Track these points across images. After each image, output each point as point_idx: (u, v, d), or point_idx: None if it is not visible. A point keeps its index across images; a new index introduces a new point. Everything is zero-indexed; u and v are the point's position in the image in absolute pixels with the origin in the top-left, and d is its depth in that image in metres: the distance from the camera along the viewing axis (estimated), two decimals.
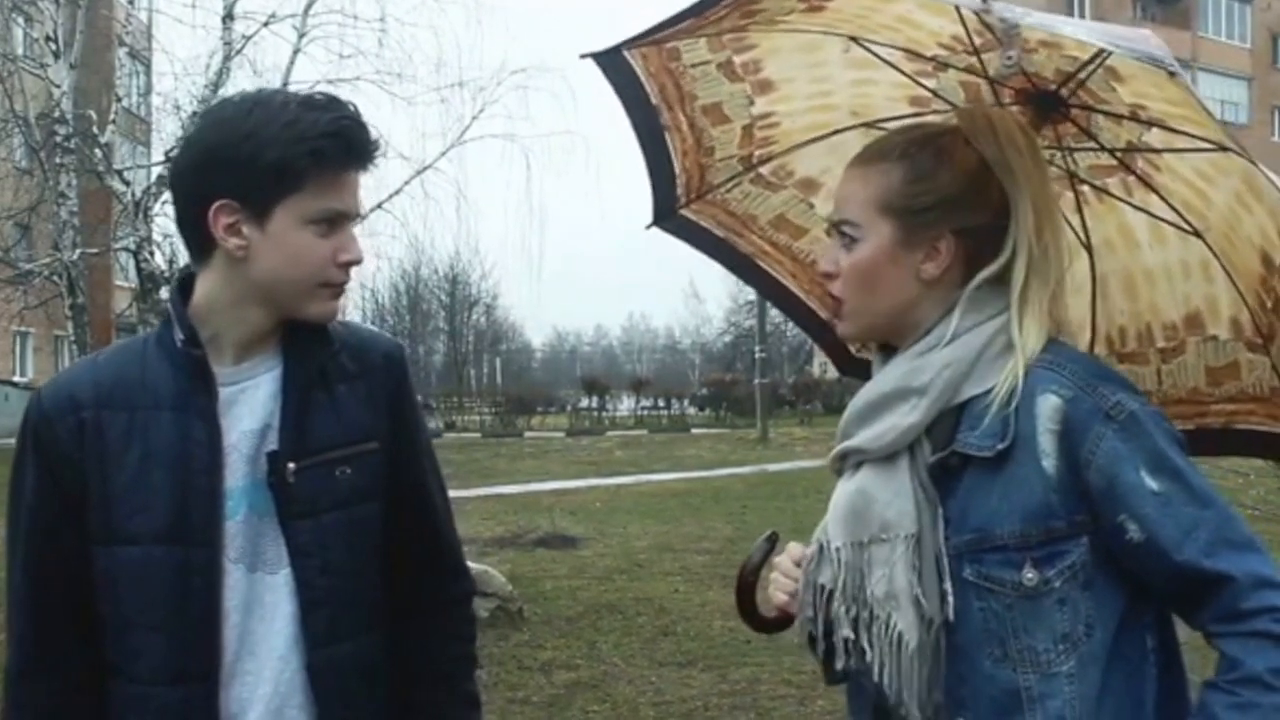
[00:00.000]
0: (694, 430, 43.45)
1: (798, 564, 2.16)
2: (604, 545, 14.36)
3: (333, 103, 2.20)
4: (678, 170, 2.76)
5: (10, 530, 2.20)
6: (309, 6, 14.44)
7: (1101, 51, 2.17)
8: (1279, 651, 1.80)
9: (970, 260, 2.05)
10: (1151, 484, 1.87)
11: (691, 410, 53.37)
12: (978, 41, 2.37)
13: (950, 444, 1.98)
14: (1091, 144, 2.47)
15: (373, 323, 72.10)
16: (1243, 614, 1.83)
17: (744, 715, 7.40)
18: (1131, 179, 2.48)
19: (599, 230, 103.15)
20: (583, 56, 2.66)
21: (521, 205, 31.13)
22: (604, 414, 50.61)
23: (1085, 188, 2.55)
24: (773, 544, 2.34)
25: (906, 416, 2.00)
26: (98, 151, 13.39)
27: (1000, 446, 1.93)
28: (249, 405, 2.21)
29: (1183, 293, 2.52)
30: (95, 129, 13.44)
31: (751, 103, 2.66)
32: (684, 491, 21.35)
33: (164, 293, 13.56)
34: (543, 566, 12.83)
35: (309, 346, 2.25)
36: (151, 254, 13.17)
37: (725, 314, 77.80)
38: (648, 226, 2.89)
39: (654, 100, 2.68)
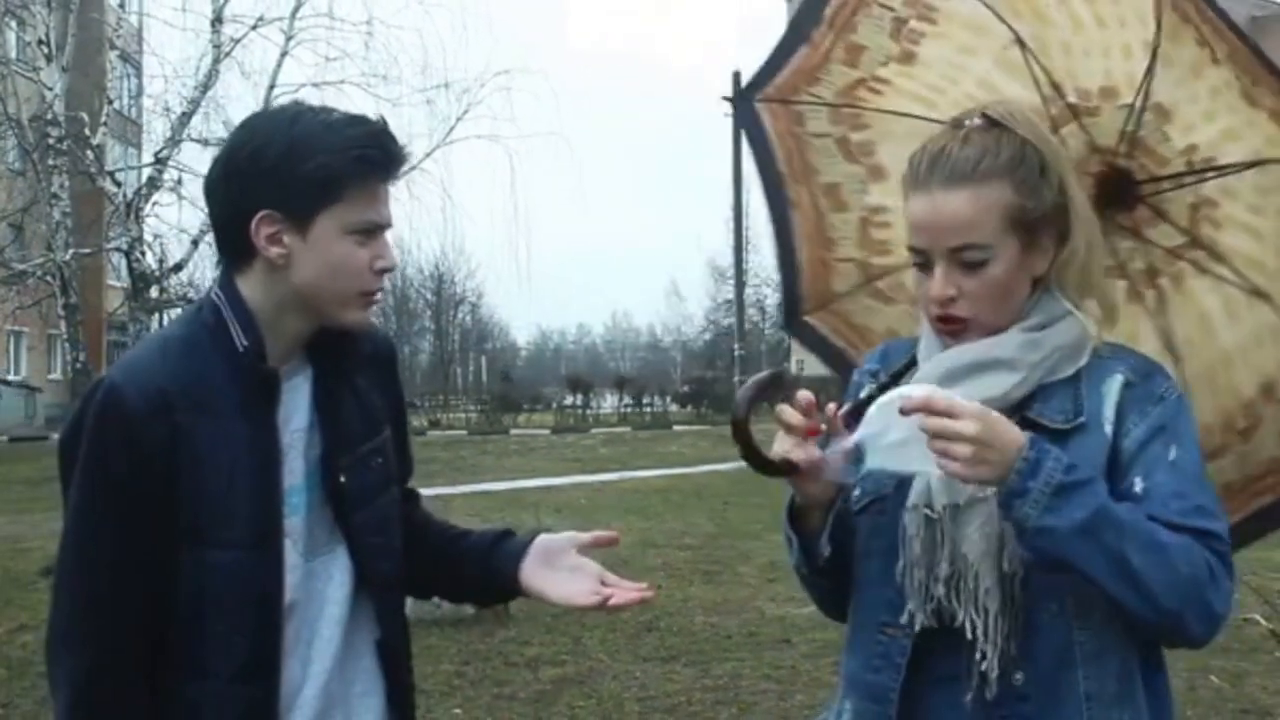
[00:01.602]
0: (676, 427, 43.35)
1: (807, 413, 2.10)
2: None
3: (366, 118, 2.26)
4: (802, 263, 2.85)
5: (88, 528, 2.17)
6: (296, 10, 14.59)
7: (1149, 71, 2.31)
8: (1198, 551, 1.96)
9: (1057, 246, 2.14)
10: (1170, 455, 2.04)
11: (674, 407, 53.36)
12: (1054, 111, 2.49)
13: (1017, 413, 2.06)
14: (1164, 224, 2.52)
15: None
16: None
17: (726, 709, 7.45)
18: (1201, 254, 2.51)
19: (581, 229, 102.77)
20: (725, 99, 2.82)
21: (506, 205, 31.28)
22: (588, 411, 50.58)
23: (1164, 281, 2.57)
24: (769, 382, 2.30)
25: (1017, 388, 2.08)
26: (89, 153, 13.52)
27: (1078, 421, 2.06)
28: (296, 405, 2.27)
29: (1257, 364, 2.53)
30: (87, 131, 13.55)
31: (866, 190, 2.75)
32: (666, 488, 21.37)
33: (155, 291, 13.74)
34: None
35: (334, 345, 2.31)
36: (143, 254, 13.29)
37: (705, 312, 77.66)
38: (780, 329, 2.99)
39: (781, 167, 2.79)
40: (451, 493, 19.90)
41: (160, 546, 2.15)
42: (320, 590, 2.29)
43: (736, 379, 40.01)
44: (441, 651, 8.60)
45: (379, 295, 2.31)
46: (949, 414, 1.92)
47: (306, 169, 2.12)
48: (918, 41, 2.63)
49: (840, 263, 2.84)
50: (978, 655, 2.05)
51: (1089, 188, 2.46)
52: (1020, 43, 2.53)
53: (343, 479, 2.29)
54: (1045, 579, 2.00)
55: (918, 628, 2.11)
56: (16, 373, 45.23)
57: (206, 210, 2.36)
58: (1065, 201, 2.12)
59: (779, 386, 2.30)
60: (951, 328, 2.14)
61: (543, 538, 2.46)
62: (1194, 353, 2.58)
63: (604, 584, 2.37)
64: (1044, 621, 2.04)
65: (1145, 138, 2.44)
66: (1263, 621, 8.14)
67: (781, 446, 2.12)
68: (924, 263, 2.13)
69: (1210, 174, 2.44)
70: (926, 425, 1.92)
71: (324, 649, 2.28)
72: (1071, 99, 2.51)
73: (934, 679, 2.11)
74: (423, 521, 2.57)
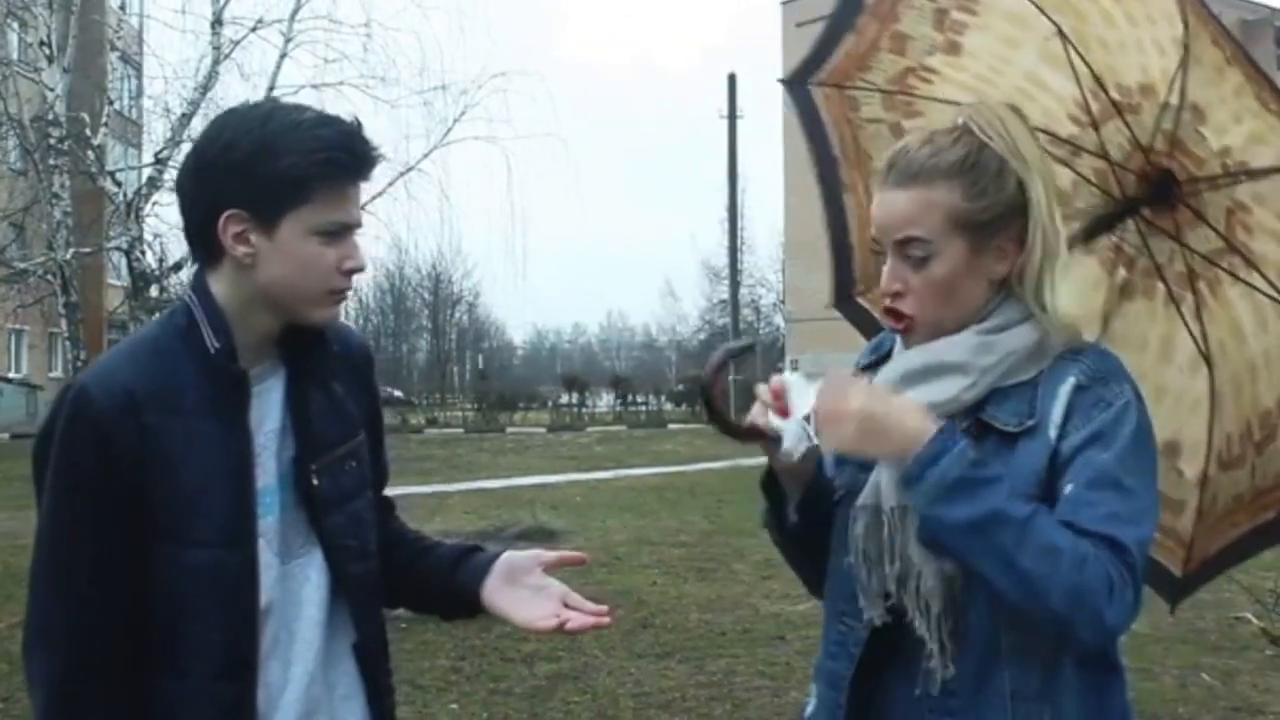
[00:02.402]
0: (671, 426, 43.46)
1: (778, 396, 2.17)
2: (584, 539, 14.26)
3: (338, 118, 2.23)
4: (854, 244, 2.90)
5: (62, 529, 2.16)
6: (295, 12, 14.58)
7: (1183, 68, 2.35)
8: (1099, 560, 1.94)
9: (1020, 250, 2.14)
10: (1098, 460, 2.01)
11: (668, 406, 53.38)
12: (1096, 107, 2.54)
13: (973, 415, 2.10)
14: (1204, 227, 2.56)
15: (358, 322, 71.84)
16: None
17: (720, 706, 7.46)
18: (1237, 259, 2.54)
19: (577, 230, 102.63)
20: (780, 81, 2.85)
21: (503, 206, 31.30)
22: (584, 410, 50.62)
23: (1203, 286, 2.60)
24: (739, 351, 2.42)
25: (967, 391, 2.11)
26: (90, 153, 13.53)
27: (1028, 424, 2.06)
28: (268, 406, 2.25)
29: (1279, 376, 2.56)
30: (88, 131, 13.55)
31: None
32: (661, 486, 21.40)
33: (154, 290, 13.80)
34: None
35: (307, 347, 2.29)
36: (143, 253, 13.32)
37: (700, 312, 77.65)
38: (827, 306, 3.03)
39: (835, 151, 2.84)
40: (448, 490, 19.99)
41: (134, 545, 2.13)
42: (298, 592, 2.27)
43: (731, 378, 40.06)
44: (438, 647, 8.64)
45: (348, 294, 2.30)
46: (837, 393, 2.04)
47: (275, 169, 2.11)
48: (961, 32, 2.68)
49: None
50: (926, 652, 2.11)
51: (1133, 186, 2.53)
52: (1062, 35, 2.57)
53: (316, 481, 2.27)
54: (976, 579, 2.02)
55: (877, 622, 2.17)
56: (18, 371, 45.23)
57: (178, 206, 2.32)
58: (1024, 203, 2.13)
59: (748, 357, 2.35)
60: (897, 323, 2.19)
61: (507, 555, 2.45)
62: (1226, 360, 2.61)
63: (566, 605, 2.36)
64: (973, 621, 2.08)
65: (1183, 138, 2.48)
66: (1253, 620, 8.22)
67: (753, 418, 2.21)
68: (880, 251, 2.20)
69: (1243, 177, 2.47)
70: (815, 405, 2.06)
71: (304, 651, 2.27)
72: (1114, 95, 2.55)
73: (895, 672, 2.17)
74: (395, 532, 2.56)
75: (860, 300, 2.99)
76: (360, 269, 2.24)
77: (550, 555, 2.45)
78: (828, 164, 2.88)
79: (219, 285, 2.22)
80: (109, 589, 2.14)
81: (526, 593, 2.40)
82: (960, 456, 1.97)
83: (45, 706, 2.18)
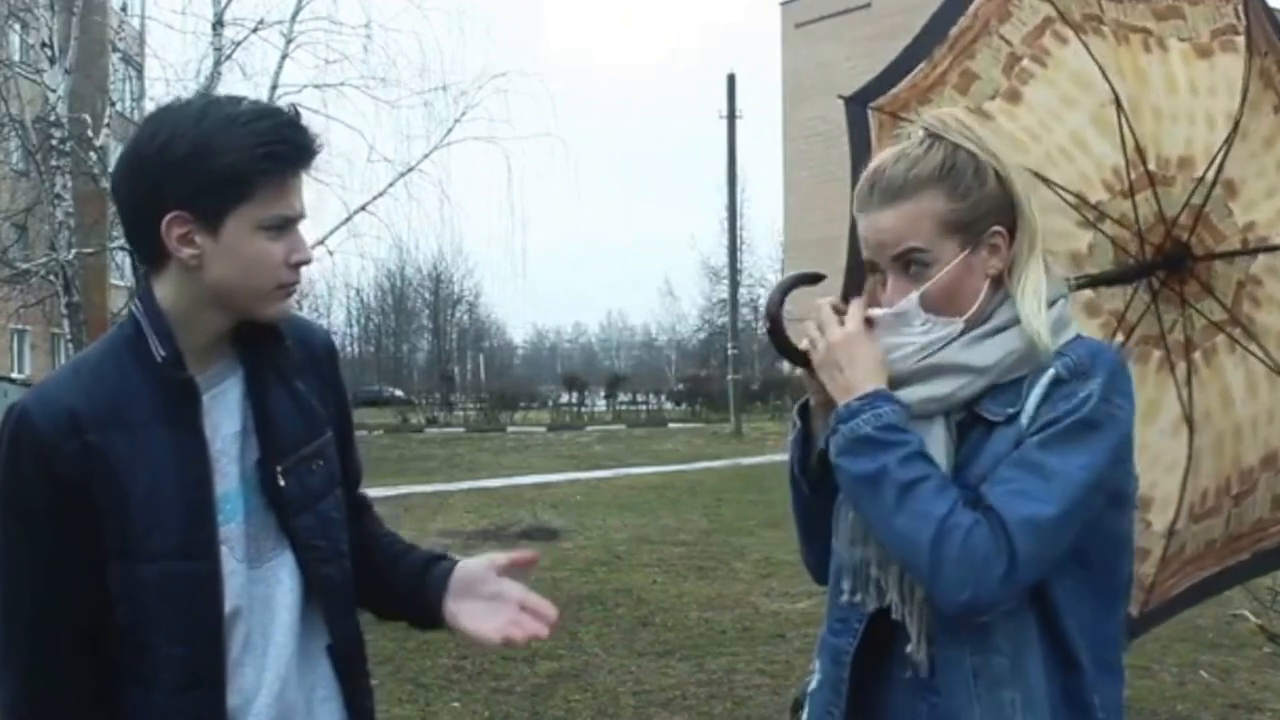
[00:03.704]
0: (670, 425, 43.49)
1: (820, 327, 2.23)
2: (584, 538, 14.35)
3: (275, 109, 2.20)
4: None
5: (9, 554, 2.14)
6: (296, 13, 14.60)
7: (1228, 143, 2.39)
8: (984, 533, 2.00)
9: (1010, 242, 2.20)
10: (1034, 443, 2.06)
11: (668, 405, 53.39)
12: (1133, 176, 2.60)
13: (968, 408, 2.16)
14: (1210, 299, 2.62)
15: (358, 322, 72.01)
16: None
17: (720, 704, 7.49)
18: (1238, 330, 2.61)
19: (577, 230, 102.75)
20: (841, 98, 2.90)
21: (503, 206, 31.34)
22: (584, 409, 50.64)
23: (1198, 355, 2.66)
24: (798, 281, 2.47)
25: (963, 389, 2.15)
26: (92, 154, 13.55)
27: (1009, 412, 2.12)
28: (225, 409, 2.21)
29: (1264, 437, 2.62)
30: (90, 132, 13.56)
31: None
32: (661, 485, 21.36)
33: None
34: None
35: (263, 346, 2.25)
36: None
37: (699, 312, 77.61)
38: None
39: None
40: (449, 489, 20.02)
41: (89, 564, 2.10)
42: (270, 596, 2.23)
43: (730, 377, 40.06)
44: (440, 645, 8.62)
45: (297, 287, 2.25)
46: (845, 318, 2.18)
47: (215, 167, 2.06)
48: (1026, 82, 2.74)
49: None
50: (905, 634, 2.17)
51: (1150, 254, 2.56)
52: (1118, 103, 2.63)
53: (282, 483, 2.23)
54: None
55: (869, 606, 2.22)
56: (20, 371, 45.15)
57: (117, 211, 2.28)
58: (1009, 199, 2.19)
59: (809, 282, 2.44)
60: None
61: (461, 566, 2.41)
62: (1209, 425, 2.66)
63: (524, 608, 2.33)
64: None
65: (1210, 213, 2.54)
66: (1251, 617, 8.22)
67: (801, 344, 2.26)
68: (874, 270, 2.24)
69: (1262, 254, 2.54)
70: (817, 317, 2.20)
71: (278, 655, 2.23)
72: (1151, 166, 2.61)
73: (893, 651, 2.21)
74: (368, 534, 2.52)
75: None
76: (307, 261, 2.22)
77: (501, 558, 2.40)
78: None
79: (165, 289, 2.17)
80: (62, 612, 2.12)
81: (482, 604, 2.36)
82: (875, 418, 2.10)
83: None
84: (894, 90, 2.87)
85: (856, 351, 2.16)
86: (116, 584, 2.11)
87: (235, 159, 2.06)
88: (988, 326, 2.19)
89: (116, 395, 2.13)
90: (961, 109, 2.26)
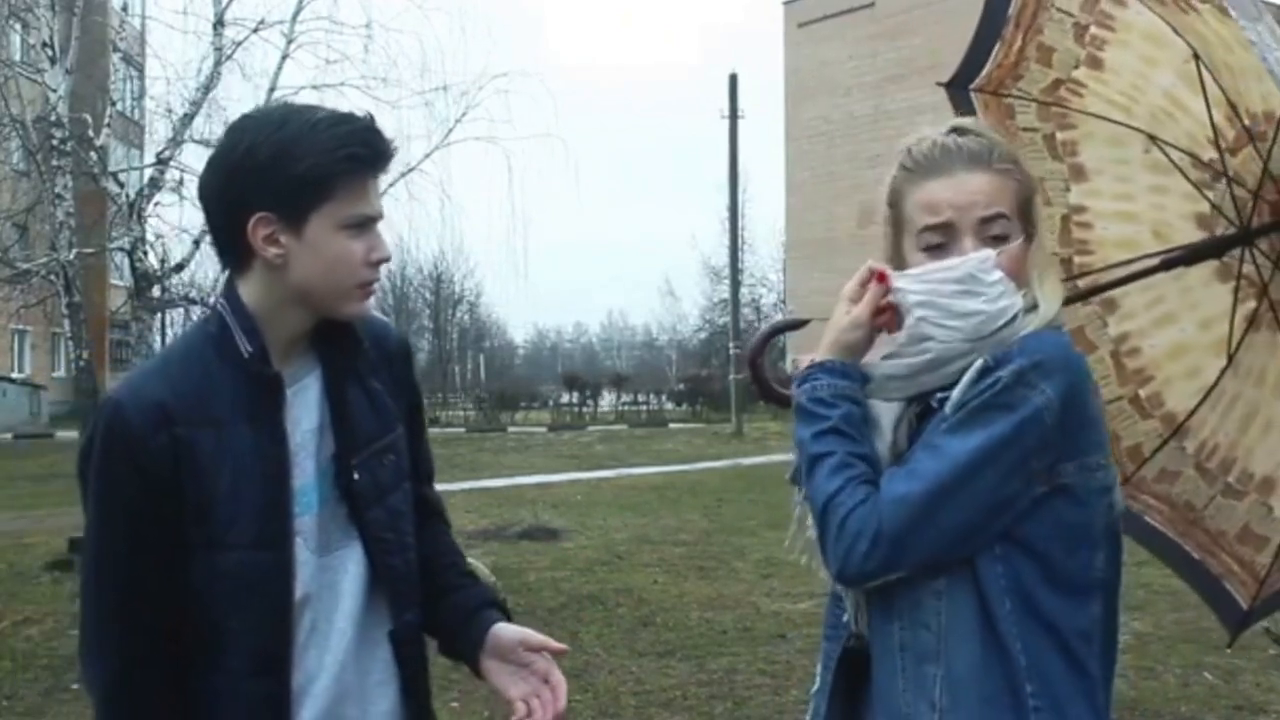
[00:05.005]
0: (671, 425, 43.47)
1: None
2: (585, 538, 14.44)
3: (352, 115, 2.32)
4: None
5: (104, 541, 2.27)
6: (297, 13, 14.55)
7: None
8: (861, 506, 2.11)
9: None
10: (942, 425, 2.13)
11: (669, 405, 53.39)
12: (1232, 134, 2.60)
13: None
14: None
15: None
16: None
17: (721, 704, 7.53)
18: None
19: (577, 229, 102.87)
20: (940, 84, 2.93)
21: (504, 206, 31.33)
22: (585, 409, 50.65)
23: (1271, 315, 2.68)
24: (781, 328, 2.66)
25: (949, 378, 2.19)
26: (93, 154, 13.52)
27: (943, 397, 2.17)
28: (304, 406, 2.33)
29: None
30: (90, 132, 13.54)
31: (1068, 189, 2.89)
32: (662, 485, 21.42)
33: (156, 290, 13.82)
34: (526, 559, 12.97)
35: (341, 344, 2.37)
36: (145, 254, 13.31)
37: (700, 311, 77.49)
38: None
39: None
40: (450, 489, 20.02)
41: (173, 554, 2.22)
42: (335, 584, 2.35)
43: (731, 377, 40.07)
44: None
45: (376, 286, 2.38)
46: (857, 295, 2.25)
47: (298, 170, 2.19)
48: (1101, 48, 2.74)
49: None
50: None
51: (1266, 215, 2.57)
52: (1197, 58, 2.62)
53: (356, 477, 2.35)
54: None
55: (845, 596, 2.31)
56: (21, 371, 45.39)
57: (204, 215, 2.41)
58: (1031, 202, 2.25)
59: (794, 328, 2.63)
60: None
61: (496, 630, 2.48)
62: (1244, 381, 2.69)
63: (546, 681, 2.42)
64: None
65: None
66: None
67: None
68: (943, 243, 2.21)
69: None
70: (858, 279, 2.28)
71: (338, 641, 2.34)
72: (1246, 122, 2.61)
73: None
74: (430, 554, 2.58)
75: None
76: (387, 259, 2.33)
77: (534, 641, 2.46)
78: None
79: (250, 289, 2.30)
80: (151, 597, 2.24)
81: (511, 669, 2.45)
82: (811, 389, 2.23)
83: (102, 711, 2.30)
84: (985, 70, 2.90)
85: (840, 322, 2.24)
86: (198, 573, 2.24)
87: (317, 161, 2.19)
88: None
89: (203, 390, 2.25)
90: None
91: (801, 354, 2.35)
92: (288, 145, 2.20)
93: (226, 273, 2.39)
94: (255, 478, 2.24)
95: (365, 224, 2.28)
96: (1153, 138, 2.74)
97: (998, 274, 2.16)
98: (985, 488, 2.08)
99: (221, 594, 2.24)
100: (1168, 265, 2.69)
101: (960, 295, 2.16)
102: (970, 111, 2.92)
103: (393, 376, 2.50)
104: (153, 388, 2.26)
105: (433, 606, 2.54)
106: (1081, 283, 2.93)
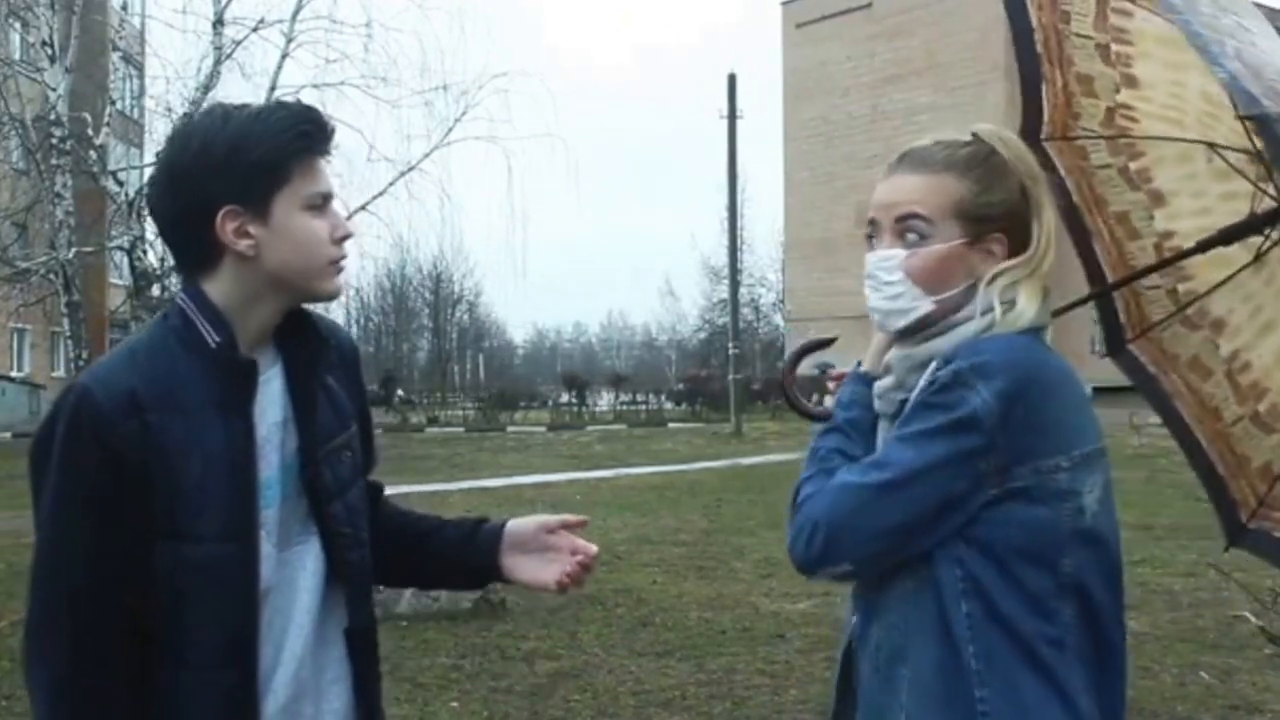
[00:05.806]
0: (671, 425, 43.42)
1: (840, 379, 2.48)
2: (584, 537, 14.22)
3: (286, 102, 2.39)
4: (1114, 295, 3.03)
5: (63, 528, 2.20)
6: (297, 12, 14.63)
7: None
8: (828, 497, 2.18)
9: (1006, 256, 2.24)
10: (900, 424, 2.18)
11: (668, 405, 53.40)
12: (1259, 144, 2.57)
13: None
14: None
15: (359, 321, 72.13)
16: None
17: (720, 704, 7.48)
18: None
19: (577, 229, 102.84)
20: (1020, 132, 2.85)
21: (503, 205, 31.38)
22: (584, 409, 50.66)
23: None
24: (810, 348, 2.75)
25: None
26: (92, 153, 13.57)
27: (904, 396, 2.23)
28: (270, 399, 2.31)
29: None
30: (90, 131, 13.59)
31: (1151, 216, 2.90)
32: (661, 485, 21.36)
33: (156, 289, 13.84)
34: None
35: (301, 338, 2.38)
36: (145, 252, 13.36)
37: (700, 312, 77.63)
38: (1103, 355, 3.16)
39: (1075, 199, 2.95)
40: (449, 489, 20.03)
41: (135, 543, 2.16)
42: (293, 580, 2.34)
43: (731, 377, 40.06)
44: (439, 645, 8.67)
45: (346, 261, 2.37)
46: None
47: (253, 157, 2.20)
48: (1130, 65, 2.72)
49: (1150, 290, 2.99)
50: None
51: None
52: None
53: (321, 472, 2.36)
54: None
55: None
56: (20, 370, 45.41)
57: (159, 226, 2.41)
58: (1026, 212, 2.24)
59: (822, 348, 2.76)
60: None
61: (513, 524, 2.59)
62: None
63: (574, 553, 2.54)
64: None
65: None
66: (1252, 618, 8.23)
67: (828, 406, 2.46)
68: (871, 237, 2.30)
69: None
70: None
71: (296, 636, 2.33)
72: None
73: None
74: (393, 514, 2.66)
75: (1131, 348, 3.08)
76: (350, 235, 2.35)
77: (552, 520, 2.58)
78: (1070, 213, 2.96)
79: (218, 286, 2.28)
80: (107, 588, 2.18)
81: (535, 558, 2.56)
82: (839, 395, 2.39)
83: (48, 709, 2.21)
84: (1046, 116, 2.89)
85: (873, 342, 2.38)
86: (162, 563, 2.19)
87: (271, 146, 2.22)
88: (958, 317, 2.22)
89: (170, 379, 2.23)
90: (1004, 129, 2.32)
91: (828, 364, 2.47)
92: (239, 137, 2.21)
93: (184, 276, 2.38)
94: (223, 467, 2.21)
95: (324, 202, 2.30)
96: (1211, 145, 2.74)
97: (899, 274, 2.23)
98: (924, 485, 2.10)
99: (186, 585, 2.20)
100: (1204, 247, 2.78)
101: (869, 290, 2.28)
102: (1050, 166, 2.87)
103: (346, 375, 2.52)
104: (121, 375, 2.22)
105: (425, 549, 2.62)
106: (1190, 311, 2.95)
